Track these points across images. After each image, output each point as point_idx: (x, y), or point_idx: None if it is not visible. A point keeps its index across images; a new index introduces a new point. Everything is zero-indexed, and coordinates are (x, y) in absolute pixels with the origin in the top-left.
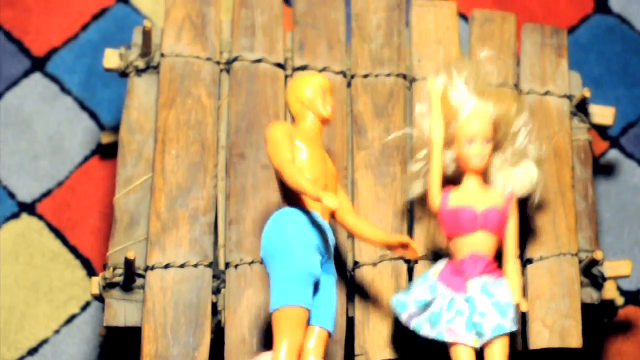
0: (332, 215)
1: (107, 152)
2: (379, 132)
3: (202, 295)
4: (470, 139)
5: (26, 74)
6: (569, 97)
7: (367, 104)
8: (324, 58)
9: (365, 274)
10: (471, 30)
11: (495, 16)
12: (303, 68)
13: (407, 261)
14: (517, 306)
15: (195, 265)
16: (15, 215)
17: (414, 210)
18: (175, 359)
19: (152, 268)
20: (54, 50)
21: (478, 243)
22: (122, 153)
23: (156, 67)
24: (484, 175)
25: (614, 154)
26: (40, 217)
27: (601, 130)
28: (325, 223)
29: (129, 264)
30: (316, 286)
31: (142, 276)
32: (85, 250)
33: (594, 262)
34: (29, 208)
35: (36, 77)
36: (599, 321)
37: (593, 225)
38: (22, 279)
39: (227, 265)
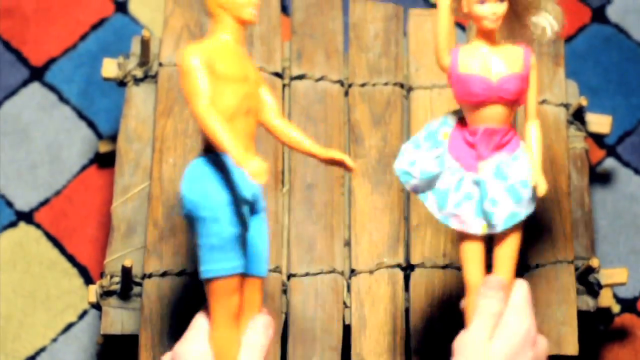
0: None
1: (104, 161)
2: (376, 141)
3: (199, 303)
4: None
5: (25, 83)
6: (566, 106)
7: (365, 112)
8: (321, 67)
9: (362, 282)
10: (468, 39)
11: None
12: (301, 77)
13: (404, 269)
14: (534, 187)
15: (193, 273)
16: (13, 224)
17: (410, 218)
18: None
19: (150, 276)
20: (52, 60)
21: (493, 116)
22: (120, 162)
23: (154, 77)
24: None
25: (610, 163)
26: (38, 226)
27: (598, 138)
28: None
29: (126, 272)
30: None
31: (140, 284)
32: (82, 259)
33: (590, 270)
34: (26, 217)
35: (34, 87)
36: (596, 329)
37: (589, 233)
38: (19, 288)
39: None
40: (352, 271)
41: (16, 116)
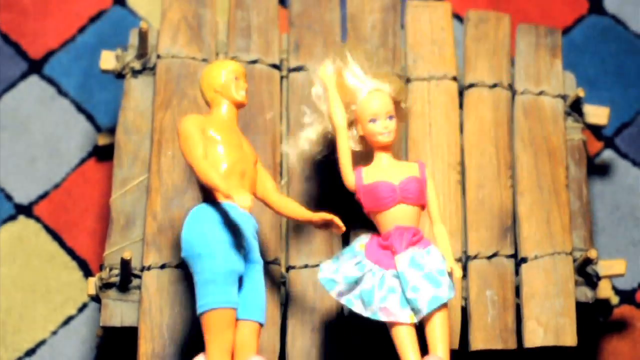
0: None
1: (103, 154)
2: None
3: None
4: (372, 117)
5: (23, 76)
6: (563, 97)
7: None
8: (319, 59)
9: None
10: (466, 30)
11: (490, 17)
12: (299, 69)
13: None
14: (450, 273)
15: None
16: (12, 218)
17: None
18: (172, 358)
19: (149, 268)
20: (51, 53)
21: (401, 216)
22: (119, 154)
23: (152, 69)
24: (393, 151)
25: (608, 154)
26: (37, 219)
27: (596, 130)
28: (244, 213)
29: (125, 264)
30: (241, 280)
31: (139, 276)
32: (82, 251)
33: (588, 261)
34: (26, 210)
35: (33, 80)
36: (595, 320)
37: (587, 224)
38: (19, 281)
39: None
40: None
41: (15, 109)
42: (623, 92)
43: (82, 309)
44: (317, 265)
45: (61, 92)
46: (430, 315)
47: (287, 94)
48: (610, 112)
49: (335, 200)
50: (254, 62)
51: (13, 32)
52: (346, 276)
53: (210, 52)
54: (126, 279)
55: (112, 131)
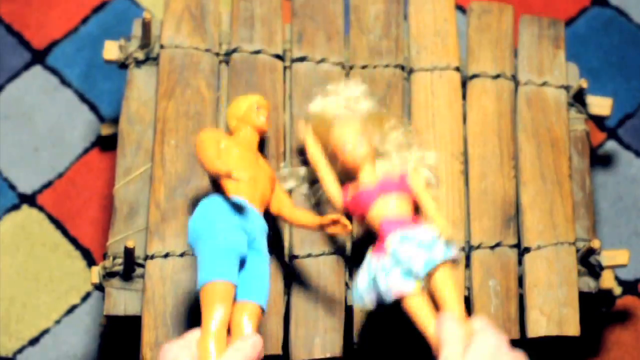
0: (268, 211)
1: (107, 144)
2: None
3: None
4: (344, 142)
5: (27, 66)
6: (567, 88)
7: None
8: (322, 49)
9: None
10: (469, 21)
11: (493, 8)
12: (302, 59)
13: None
14: (443, 236)
15: (195, 255)
16: (15, 207)
17: None
18: None
19: (152, 257)
20: (54, 43)
21: (384, 208)
22: (122, 144)
23: (156, 59)
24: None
25: (611, 145)
26: (41, 209)
27: (599, 121)
28: (252, 209)
29: (128, 253)
30: (243, 264)
31: (142, 265)
32: (85, 241)
33: (591, 251)
34: (29, 199)
35: (36, 70)
36: (597, 311)
37: (590, 214)
38: (22, 270)
39: None
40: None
41: (18, 99)
42: (626, 83)
43: (85, 298)
44: (320, 255)
45: (64, 82)
46: (431, 279)
47: (290, 84)
48: (613, 103)
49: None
50: (257, 52)
51: (16, 23)
52: (363, 285)
53: (214, 42)
54: (129, 267)
55: (115, 121)
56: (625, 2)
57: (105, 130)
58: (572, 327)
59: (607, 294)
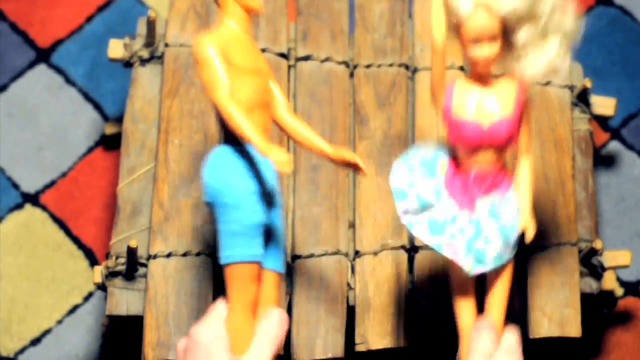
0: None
1: (110, 143)
2: (381, 122)
3: (203, 284)
4: (475, 39)
5: (31, 65)
6: (570, 88)
7: (370, 94)
8: (327, 48)
9: (366, 263)
10: None
11: None
12: (306, 58)
13: (408, 250)
14: (523, 233)
15: (198, 254)
16: (19, 206)
17: None
18: None
19: (155, 257)
20: (58, 42)
21: (484, 160)
22: (126, 143)
23: (160, 57)
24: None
25: (614, 146)
26: (44, 208)
27: (602, 121)
28: (267, 159)
29: (131, 252)
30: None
31: (145, 265)
32: (88, 241)
33: (593, 252)
34: (32, 199)
35: (41, 69)
36: (599, 312)
37: (593, 215)
38: (25, 270)
39: None
40: (357, 253)
41: (22, 98)
42: (630, 83)
43: (87, 297)
44: (323, 255)
45: (69, 81)
46: (495, 278)
47: (295, 83)
48: (617, 103)
49: (343, 190)
50: (262, 51)
51: (21, 21)
52: (420, 197)
53: None
54: (132, 267)
55: (119, 120)
56: (630, 2)
57: (109, 129)
58: (573, 329)
59: (609, 295)
